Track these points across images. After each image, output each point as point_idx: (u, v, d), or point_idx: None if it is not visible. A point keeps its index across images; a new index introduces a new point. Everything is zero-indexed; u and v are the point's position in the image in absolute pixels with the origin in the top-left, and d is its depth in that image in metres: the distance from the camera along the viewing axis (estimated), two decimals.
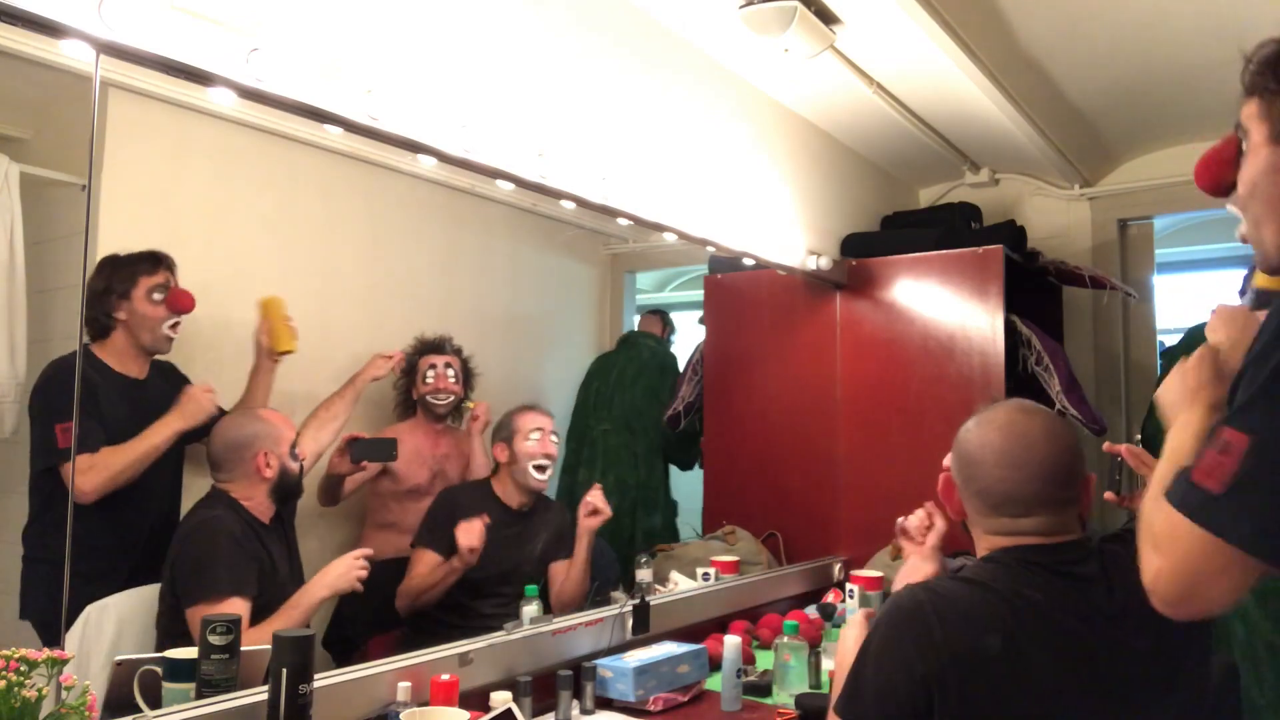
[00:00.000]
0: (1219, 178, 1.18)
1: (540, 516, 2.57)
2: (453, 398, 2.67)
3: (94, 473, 1.87)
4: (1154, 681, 1.21)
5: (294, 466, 2.08)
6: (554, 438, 2.56)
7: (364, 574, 1.96)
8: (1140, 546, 1.00)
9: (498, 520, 2.41)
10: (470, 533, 2.30)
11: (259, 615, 1.88)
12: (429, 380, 2.65)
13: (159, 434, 1.99)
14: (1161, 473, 1.04)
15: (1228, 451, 0.90)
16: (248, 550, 1.94)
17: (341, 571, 1.94)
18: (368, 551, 1.99)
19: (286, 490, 2.08)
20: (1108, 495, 1.77)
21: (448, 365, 2.68)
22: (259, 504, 2.03)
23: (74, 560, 1.55)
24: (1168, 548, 0.94)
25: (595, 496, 2.48)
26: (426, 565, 2.36)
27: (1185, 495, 0.93)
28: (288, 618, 1.89)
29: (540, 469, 2.50)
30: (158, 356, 2.10)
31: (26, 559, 1.85)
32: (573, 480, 3.37)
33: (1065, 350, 3.24)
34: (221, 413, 2.12)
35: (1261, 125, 1.04)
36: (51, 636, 1.58)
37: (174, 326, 2.07)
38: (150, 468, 2.00)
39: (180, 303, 2.07)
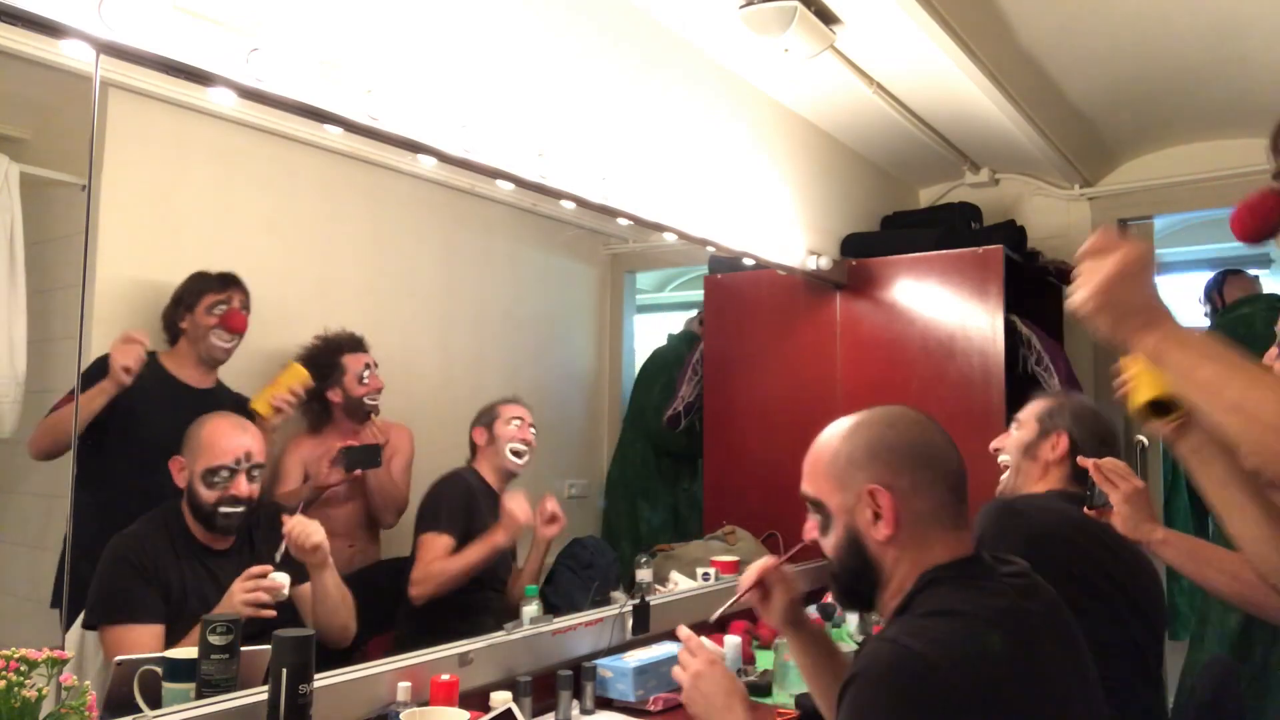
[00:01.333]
0: (1263, 227, 1.21)
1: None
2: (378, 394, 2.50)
3: (48, 433, 1.83)
4: (1080, 672, 1.18)
5: (204, 492, 1.85)
6: (532, 429, 2.57)
7: (258, 598, 1.74)
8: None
9: (489, 501, 2.44)
10: (525, 506, 2.34)
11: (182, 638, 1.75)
12: (365, 380, 2.42)
13: (94, 395, 1.90)
14: (1252, 385, 0.94)
15: None
16: (149, 575, 1.79)
17: (226, 601, 1.76)
18: (260, 570, 1.78)
19: (199, 513, 1.86)
20: (1087, 510, 1.79)
21: (375, 364, 2.47)
22: (194, 521, 1.89)
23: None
24: None
25: (553, 504, 2.47)
26: (442, 549, 2.32)
27: None
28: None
29: (517, 454, 2.52)
30: (237, 391, 2.17)
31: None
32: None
33: (1065, 350, 3.24)
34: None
35: None
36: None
37: (227, 340, 2.14)
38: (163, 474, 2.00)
39: (231, 321, 2.15)
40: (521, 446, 2.53)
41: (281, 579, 1.77)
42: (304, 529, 1.88)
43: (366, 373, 2.44)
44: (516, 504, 2.35)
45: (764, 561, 1.52)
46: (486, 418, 2.56)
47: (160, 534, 1.86)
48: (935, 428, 1.22)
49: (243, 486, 1.88)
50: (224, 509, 1.87)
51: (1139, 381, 1.43)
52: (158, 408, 2.01)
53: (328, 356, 2.40)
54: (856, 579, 1.20)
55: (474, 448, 2.57)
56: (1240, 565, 1.51)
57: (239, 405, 2.15)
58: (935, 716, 1.02)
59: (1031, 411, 1.96)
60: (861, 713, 1.05)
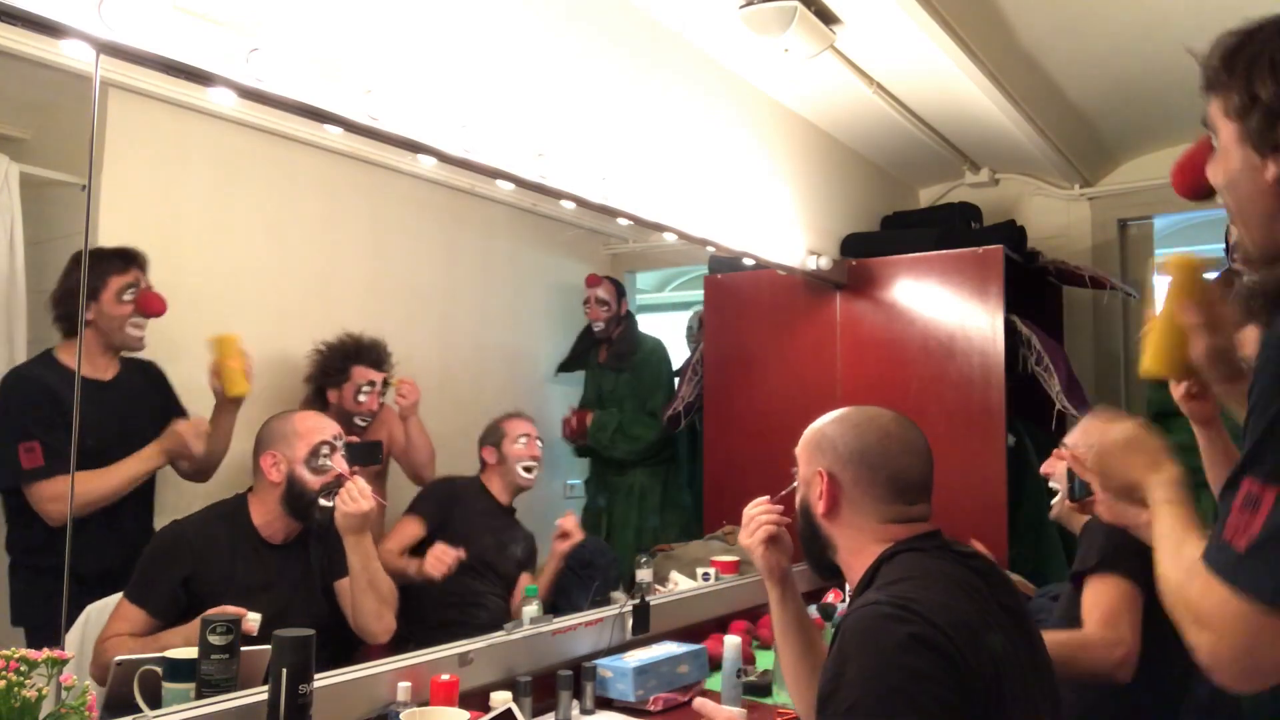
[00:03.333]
0: (1197, 182, 1.15)
1: (522, 523, 2.64)
2: (372, 417, 2.46)
3: (62, 502, 1.71)
4: (1033, 642, 1.30)
5: (309, 478, 1.94)
6: (539, 442, 2.63)
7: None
8: (1185, 629, 0.93)
9: (488, 510, 2.53)
10: (442, 561, 2.30)
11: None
12: (362, 399, 2.39)
13: (136, 468, 1.93)
14: (1170, 553, 1.00)
15: (1255, 506, 0.85)
16: (184, 566, 1.82)
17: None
18: (229, 611, 1.68)
19: (297, 504, 1.94)
20: (1069, 505, 1.78)
21: (385, 383, 2.47)
22: (270, 516, 1.96)
23: (70, 564, 1.52)
24: (1218, 623, 0.88)
25: (568, 522, 2.55)
26: (409, 537, 2.40)
27: (1220, 559, 0.89)
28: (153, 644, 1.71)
29: (528, 469, 2.59)
30: (135, 355, 2.02)
31: (12, 566, 1.82)
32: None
33: (1065, 350, 3.24)
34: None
35: (1227, 124, 1.00)
36: (42, 641, 1.56)
37: (143, 327, 1.99)
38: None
39: (150, 305, 1.98)
40: (532, 463, 2.60)
41: (253, 618, 1.72)
42: (359, 492, 1.92)
43: (366, 391, 2.41)
44: (434, 559, 2.30)
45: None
46: (494, 436, 2.60)
47: (220, 525, 1.94)
48: (900, 437, 1.38)
49: (341, 462, 1.98)
50: (324, 500, 1.94)
51: (1146, 344, 1.35)
52: (56, 409, 1.76)
53: (341, 360, 2.41)
54: (808, 540, 1.43)
55: (483, 464, 2.62)
56: None
57: (156, 381, 2.06)
58: (925, 648, 1.11)
59: None
60: (862, 670, 1.12)
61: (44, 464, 1.75)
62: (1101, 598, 1.77)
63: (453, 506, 2.48)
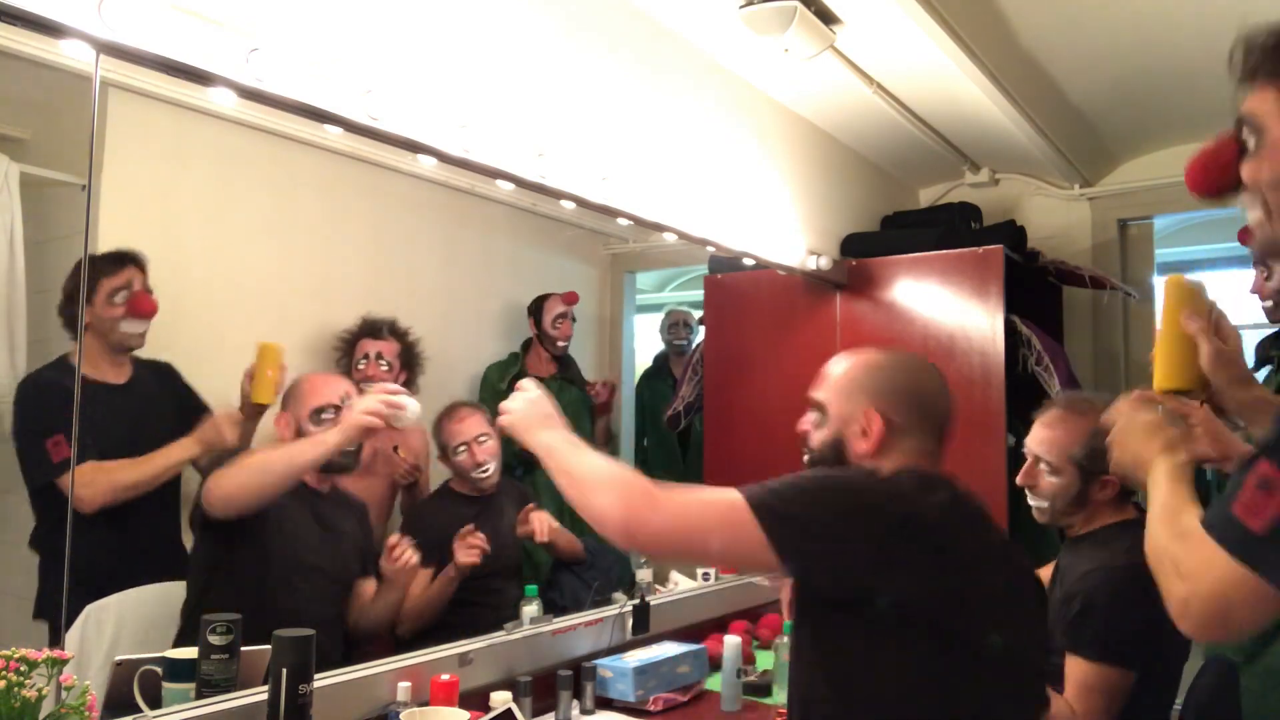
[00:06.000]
0: (1219, 181, 1.12)
1: (505, 495, 2.52)
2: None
3: (97, 486, 1.82)
4: (1031, 583, 1.35)
5: (313, 431, 1.98)
6: (483, 439, 2.43)
7: (379, 410, 1.86)
8: (1163, 579, 1.02)
9: (461, 510, 2.40)
10: (471, 551, 2.23)
11: None
12: (360, 367, 2.50)
13: (173, 456, 1.97)
14: (1165, 518, 1.08)
15: (1271, 490, 0.90)
16: None
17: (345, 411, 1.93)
18: (394, 388, 1.90)
19: None
20: None
21: (379, 355, 2.50)
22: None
23: (82, 562, 1.54)
24: (1201, 576, 0.96)
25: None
26: (419, 585, 2.24)
27: (1225, 529, 0.94)
28: None
29: (483, 473, 2.43)
30: (151, 359, 2.04)
31: (41, 562, 1.83)
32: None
33: (1065, 350, 3.24)
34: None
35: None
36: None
37: (139, 326, 2.00)
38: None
39: (141, 307, 1.97)
40: (481, 469, 2.43)
41: (412, 406, 1.89)
42: (407, 555, 2.05)
43: (363, 362, 2.50)
44: (463, 550, 2.24)
45: None
46: (438, 442, 2.49)
47: None
48: (940, 383, 1.40)
49: (348, 413, 1.96)
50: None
51: (1156, 361, 1.39)
52: (88, 414, 1.80)
53: (353, 339, 2.53)
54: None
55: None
56: None
57: (171, 382, 2.09)
58: (885, 506, 1.19)
59: None
60: (803, 482, 1.22)
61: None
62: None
63: (431, 534, 2.31)
